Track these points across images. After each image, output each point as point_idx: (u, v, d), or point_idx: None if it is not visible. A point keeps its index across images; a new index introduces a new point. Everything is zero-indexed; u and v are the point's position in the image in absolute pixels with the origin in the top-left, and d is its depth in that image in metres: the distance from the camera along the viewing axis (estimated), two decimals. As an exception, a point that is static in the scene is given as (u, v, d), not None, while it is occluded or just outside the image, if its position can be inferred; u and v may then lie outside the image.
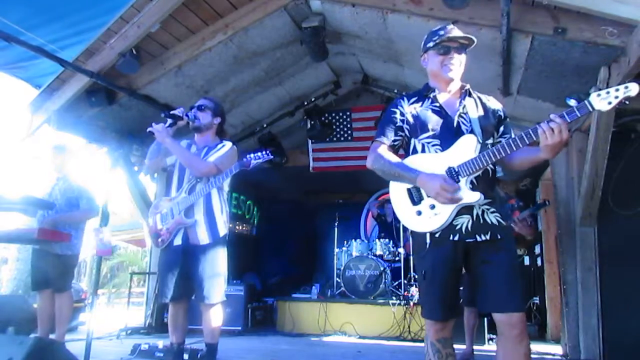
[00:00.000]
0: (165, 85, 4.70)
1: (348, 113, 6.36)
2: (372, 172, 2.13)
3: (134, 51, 4.15)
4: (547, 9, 3.12)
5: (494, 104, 2.06)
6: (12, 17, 3.70)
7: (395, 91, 5.77)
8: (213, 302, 2.87)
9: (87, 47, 4.11)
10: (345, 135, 6.35)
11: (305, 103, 6.20)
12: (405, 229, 6.61)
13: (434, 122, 1.96)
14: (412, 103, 2.05)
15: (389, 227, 7.12)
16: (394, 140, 2.04)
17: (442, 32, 1.99)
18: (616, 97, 1.57)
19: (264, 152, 2.83)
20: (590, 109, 1.61)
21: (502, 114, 2.04)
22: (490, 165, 1.90)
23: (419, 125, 1.97)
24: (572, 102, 3.65)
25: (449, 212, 1.84)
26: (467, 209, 1.86)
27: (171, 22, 4.09)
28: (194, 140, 3.13)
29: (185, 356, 3.29)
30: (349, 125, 6.34)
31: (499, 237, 1.85)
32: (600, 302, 3.85)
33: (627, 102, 1.57)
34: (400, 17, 3.70)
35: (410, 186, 1.95)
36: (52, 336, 3.74)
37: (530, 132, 1.71)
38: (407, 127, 2.01)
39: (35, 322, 3.85)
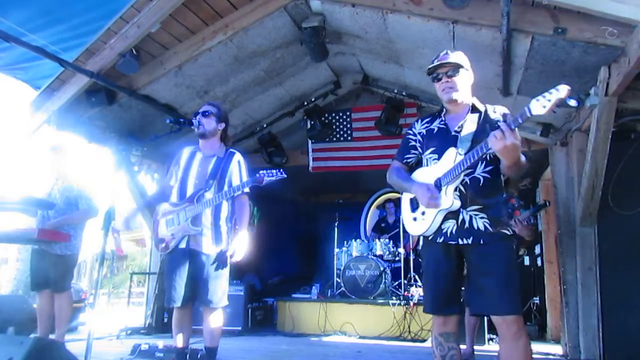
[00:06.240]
0: (165, 85, 4.70)
1: (348, 113, 6.36)
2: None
3: (134, 51, 4.15)
4: (547, 9, 3.11)
5: (497, 115, 2.12)
6: (15, 19, 3.70)
7: (395, 91, 5.77)
8: (217, 306, 2.88)
9: (87, 48, 4.11)
10: (345, 135, 6.34)
11: (305, 103, 6.19)
12: (405, 229, 6.67)
13: (436, 138, 2.18)
14: (424, 124, 2.28)
15: (390, 227, 7.13)
16: (407, 158, 2.31)
17: (434, 61, 2.17)
18: (549, 100, 1.70)
19: (278, 171, 2.85)
20: (529, 114, 1.73)
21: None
22: (483, 174, 2.04)
23: (425, 143, 2.22)
24: (572, 102, 3.65)
25: (432, 218, 2.06)
26: (454, 214, 2.03)
27: (171, 22, 4.09)
28: (199, 147, 3.12)
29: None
30: (348, 126, 6.33)
31: (482, 242, 1.99)
32: (600, 302, 3.84)
33: (559, 106, 1.72)
34: (400, 17, 3.70)
35: (412, 196, 2.20)
36: (52, 336, 3.74)
37: (483, 144, 1.89)
38: (419, 145, 2.26)
39: (35, 322, 3.85)
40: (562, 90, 1.70)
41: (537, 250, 6.07)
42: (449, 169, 2.02)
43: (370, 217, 8.69)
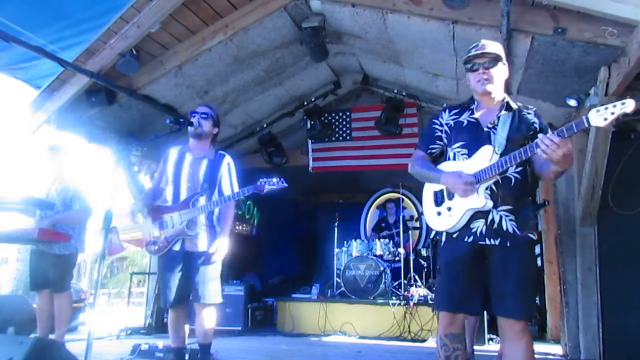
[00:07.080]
0: (165, 85, 4.70)
1: (348, 113, 6.36)
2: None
3: (134, 51, 4.14)
4: (547, 9, 3.11)
5: (532, 116, 2.10)
6: (13, 17, 3.68)
7: (395, 91, 5.77)
8: (210, 302, 2.91)
9: (87, 47, 4.11)
10: (345, 135, 6.35)
11: (305, 103, 6.19)
12: (405, 229, 6.67)
13: (466, 132, 2.10)
14: (452, 115, 2.19)
15: (390, 227, 7.13)
16: (432, 148, 2.23)
17: (472, 50, 2.11)
18: (612, 113, 1.63)
19: (279, 180, 2.87)
20: (587, 125, 1.68)
21: (537, 126, 2.06)
22: (514, 174, 1.99)
23: (454, 135, 2.14)
24: (572, 102, 3.66)
25: (460, 215, 1.99)
26: (483, 214, 1.97)
27: (171, 22, 4.09)
28: (189, 147, 3.13)
29: (186, 356, 3.29)
30: (348, 126, 6.34)
31: (509, 244, 1.95)
32: (600, 302, 3.85)
33: (623, 119, 1.63)
34: (400, 17, 3.70)
35: (437, 189, 2.13)
36: (52, 336, 3.74)
37: (527, 148, 1.85)
38: (445, 136, 2.18)
39: (35, 322, 3.84)
40: (629, 105, 1.61)
41: (537, 250, 6.06)
42: (485, 168, 1.95)
43: (370, 217, 8.70)
